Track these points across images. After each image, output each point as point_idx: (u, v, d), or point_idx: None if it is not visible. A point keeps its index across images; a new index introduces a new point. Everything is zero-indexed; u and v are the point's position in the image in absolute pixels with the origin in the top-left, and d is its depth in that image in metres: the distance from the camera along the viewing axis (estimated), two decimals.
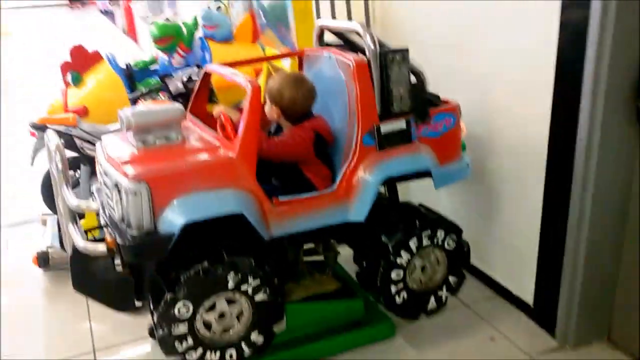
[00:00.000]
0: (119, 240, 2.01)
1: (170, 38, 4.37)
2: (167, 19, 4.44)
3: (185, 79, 3.50)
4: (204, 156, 2.13)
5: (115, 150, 2.19)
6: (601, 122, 2.15)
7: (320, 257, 2.62)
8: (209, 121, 2.45)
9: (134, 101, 3.77)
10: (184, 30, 4.45)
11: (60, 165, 2.30)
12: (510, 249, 2.73)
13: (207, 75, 2.55)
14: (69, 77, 4.16)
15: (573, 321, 2.45)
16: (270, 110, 2.35)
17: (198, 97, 2.58)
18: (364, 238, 2.47)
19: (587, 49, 2.10)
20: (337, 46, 2.51)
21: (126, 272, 2.22)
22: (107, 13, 14.52)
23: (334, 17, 2.47)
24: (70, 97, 4.12)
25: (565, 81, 2.22)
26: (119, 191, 2.00)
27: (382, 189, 2.49)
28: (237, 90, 2.38)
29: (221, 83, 3.95)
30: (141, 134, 2.12)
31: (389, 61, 2.20)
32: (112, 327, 2.75)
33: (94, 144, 3.11)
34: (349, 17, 2.34)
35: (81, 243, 2.14)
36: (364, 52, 2.26)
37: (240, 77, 2.21)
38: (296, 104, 2.33)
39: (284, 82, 2.35)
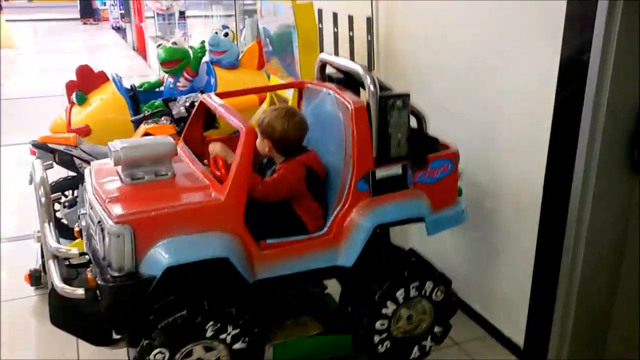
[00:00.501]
0: (98, 279, 1.96)
1: (177, 62, 4.43)
2: (175, 43, 4.48)
3: (187, 104, 3.52)
4: (191, 198, 2.09)
5: (102, 181, 2.15)
6: (596, 170, 2.15)
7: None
8: (202, 148, 2.44)
9: (136, 124, 3.80)
10: (191, 54, 4.51)
11: (43, 200, 2.25)
12: (503, 291, 2.70)
13: (202, 104, 2.52)
14: (73, 96, 4.19)
15: None
16: (262, 143, 2.32)
17: (192, 125, 2.57)
18: (352, 282, 2.43)
19: (585, 100, 2.10)
20: (338, 79, 2.48)
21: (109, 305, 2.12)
22: (119, 29, 14.67)
23: (336, 53, 2.47)
24: (74, 116, 4.15)
25: (563, 130, 2.22)
26: (102, 230, 1.96)
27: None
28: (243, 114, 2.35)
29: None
30: (130, 168, 2.08)
31: (389, 106, 2.17)
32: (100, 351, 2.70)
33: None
34: (352, 57, 2.33)
35: (59, 284, 2.07)
36: (364, 87, 2.23)
37: (234, 118, 2.18)
38: (288, 137, 2.31)
39: (275, 115, 2.32)
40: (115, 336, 2.26)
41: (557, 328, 2.42)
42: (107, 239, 1.94)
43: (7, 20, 17.23)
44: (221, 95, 2.74)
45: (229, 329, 2.10)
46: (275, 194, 2.23)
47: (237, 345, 2.14)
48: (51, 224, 2.24)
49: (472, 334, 2.85)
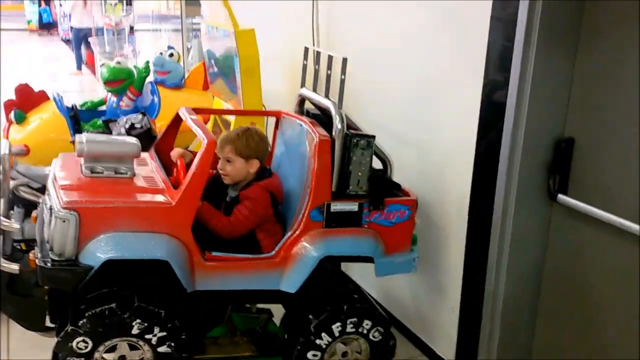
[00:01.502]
0: (38, 260, 2.02)
1: (121, 81, 4.42)
2: (119, 62, 4.47)
3: (127, 126, 3.52)
4: (143, 197, 2.15)
5: (63, 172, 2.21)
6: (515, 197, 2.27)
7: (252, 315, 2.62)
8: (169, 160, 2.48)
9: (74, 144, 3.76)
10: (135, 73, 4.50)
11: (1, 177, 2.32)
12: (435, 312, 2.80)
13: (178, 117, 2.56)
14: (12, 115, 4.11)
15: None
16: (245, 166, 2.32)
17: (166, 136, 2.61)
18: (292, 309, 2.47)
19: (504, 133, 2.23)
20: (314, 115, 2.55)
21: (43, 293, 2.22)
22: (69, 42, 14.39)
23: (315, 89, 2.55)
24: (13, 135, 4.08)
25: (484, 159, 2.35)
26: (51, 214, 2.01)
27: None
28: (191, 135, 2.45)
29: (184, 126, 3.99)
30: (91, 162, 2.15)
31: (353, 144, 2.24)
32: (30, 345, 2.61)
33: (28, 186, 3.09)
34: (326, 95, 2.42)
35: None
36: None
37: (200, 129, 2.24)
38: (264, 158, 2.40)
39: (259, 135, 2.39)
40: (49, 324, 2.30)
41: (484, 348, 2.52)
42: (53, 222, 1.99)
43: None
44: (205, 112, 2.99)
45: (156, 330, 2.15)
46: (245, 230, 2.29)
47: (162, 349, 2.18)
48: (2, 200, 2.29)
49: (407, 354, 2.91)
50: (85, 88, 9.11)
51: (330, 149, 2.24)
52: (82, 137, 2.17)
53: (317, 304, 2.38)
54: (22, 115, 4.14)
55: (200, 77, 4.65)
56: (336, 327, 2.35)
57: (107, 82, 4.39)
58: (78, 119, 4.24)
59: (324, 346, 2.37)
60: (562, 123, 2.23)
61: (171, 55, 4.69)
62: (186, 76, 4.85)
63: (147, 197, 2.15)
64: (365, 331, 2.41)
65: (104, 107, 4.64)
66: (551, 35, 2.10)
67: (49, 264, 2.00)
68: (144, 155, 2.49)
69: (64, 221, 1.97)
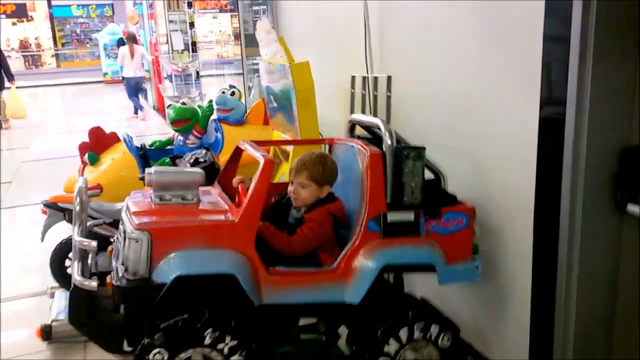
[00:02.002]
0: (114, 280, 2.15)
1: (186, 120, 4.59)
2: (184, 103, 4.67)
3: (192, 160, 3.65)
4: (208, 217, 2.29)
5: (135, 203, 2.37)
6: (582, 212, 2.18)
7: (320, 337, 2.63)
8: (235, 190, 2.58)
9: (143, 180, 3.94)
10: (199, 112, 4.68)
11: (78, 208, 2.55)
12: (507, 336, 2.69)
13: (238, 150, 2.70)
14: (86, 157, 4.36)
15: None
16: (317, 191, 2.41)
17: (227, 169, 2.75)
18: (358, 322, 2.45)
19: (565, 145, 2.16)
20: (365, 139, 2.63)
21: (120, 316, 2.37)
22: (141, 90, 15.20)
23: (363, 112, 2.63)
24: (87, 176, 4.30)
25: (546, 174, 2.28)
26: (125, 237, 2.16)
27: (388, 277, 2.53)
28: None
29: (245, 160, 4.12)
30: (160, 190, 2.31)
31: (404, 156, 2.30)
32: None
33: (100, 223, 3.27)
34: (374, 114, 2.49)
35: (78, 277, 2.29)
36: None
37: (257, 152, 2.39)
38: (334, 183, 2.48)
39: (331, 161, 2.48)
40: (127, 348, 2.41)
41: None
42: (127, 244, 2.13)
43: (37, 86, 18.06)
44: (265, 144, 3.03)
45: (227, 339, 2.21)
46: (305, 251, 2.35)
47: (234, 358, 2.23)
48: (80, 225, 2.51)
49: None
50: (155, 132, 9.54)
51: (382, 162, 2.29)
52: (151, 170, 2.35)
53: (383, 314, 2.38)
54: (95, 156, 4.38)
55: (260, 112, 4.79)
56: (403, 333, 2.34)
57: (173, 122, 4.58)
58: (147, 157, 4.43)
59: (392, 353, 2.35)
60: (628, 131, 2.14)
61: (232, 93, 4.85)
62: (247, 112, 5.00)
63: (212, 217, 2.31)
64: (433, 337, 2.39)
65: (171, 146, 4.84)
66: (608, 40, 2.03)
67: (124, 283, 2.13)
68: (208, 188, 2.63)
69: (137, 241, 2.11)
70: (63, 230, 3.81)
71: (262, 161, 2.29)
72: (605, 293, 2.30)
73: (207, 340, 2.20)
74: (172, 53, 9.54)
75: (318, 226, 2.35)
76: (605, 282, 2.29)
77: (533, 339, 2.50)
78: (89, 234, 3.41)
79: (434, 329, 2.38)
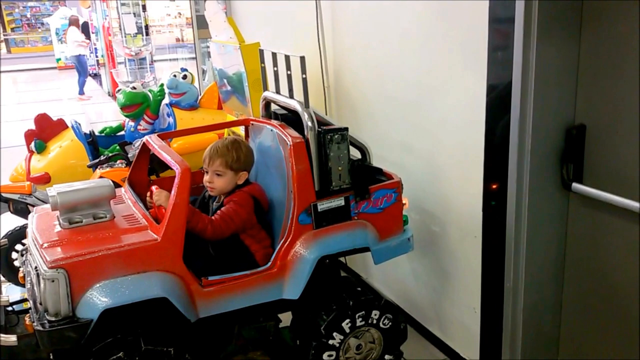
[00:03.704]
0: (35, 325, 1.96)
1: (137, 105, 4.48)
2: (134, 87, 4.54)
3: (140, 147, 3.55)
4: (128, 239, 2.08)
5: (41, 226, 2.16)
6: (528, 189, 2.19)
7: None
8: (147, 189, 2.46)
9: (94, 168, 3.83)
10: (151, 97, 4.57)
11: None
12: (458, 313, 2.72)
13: (145, 145, 2.55)
14: (32, 145, 4.21)
15: None
16: (234, 178, 2.33)
17: (136, 167, 2.59)
18: (299, 314, 2.44)
19: (511, 123, 2.15)
20: (283, 116, 2.53)
21: (48, 352, 2.15)
22: (96, 76, 14.84)
23: (277, 91, 2.55)
24: (35, 164, 4.17)
25: (494, 152, 2.28)
26: (37, 275, 1.96)
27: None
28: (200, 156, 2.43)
29: (185, 149, 4.06)
30: (67, 213, 2.10)
31: (328, 140, 2.23)
32: None
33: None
34: (290, 95, 2.41)
35: None
36: None
37: (170, 157, 2.21)
38: (251, 169, 2.40)
39: (246, 146, 2.39)
40: None
41: (507, 347, 2.43)
42: (42, 284, 1.94)
43: None
44: (176, 134, 2.91)
45: None
46: (228, 230, 2.26)
47: None
48: None
49: (432, 356, 2.86)
50: (110, 118, 9.30)
51: (306, 149, 2.22)
52: (52, 190, 2.12)
53: (323, 304, 2.35)
54: (42, 144, 4.23)
55: (214, 96, 4.69)
56: (346, 324, 2.34)
57: (123, 107, 4.46)
58: (96, 144, 4.31)
59: (337, 345, 2.35)
60: (572, 110, 2.15)
61: (184, 77, 4.74)
62: (201, 97, 4.90)
63: (132, 238, 2.08)
64: (374, 321, 2.40)
65: (122, 133, 4.72)
66: (551, 22, 2.02)
67: (47, 326, 1.93)
68: (120, 193, 2.47)
69: (52, 281, 1.91)
70: (9, 221, 3.67)
71: (178, 170, 2.11)
72: (552, 271, 2.32)
73: None
74: (125, 37, 9.29)
75: (239, 206, 2.28)
76: (553, 259, 2.31)
77: (483, 317, 2.53)
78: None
79: (375, 314, 2.38)
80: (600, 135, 2.07)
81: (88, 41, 11.94)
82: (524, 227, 2.25)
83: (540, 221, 2.24)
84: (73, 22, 12.07)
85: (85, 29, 14.07)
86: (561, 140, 2.16)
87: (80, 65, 11.73)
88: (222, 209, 2.30)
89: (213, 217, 2.26)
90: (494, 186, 2.31)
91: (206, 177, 2.36)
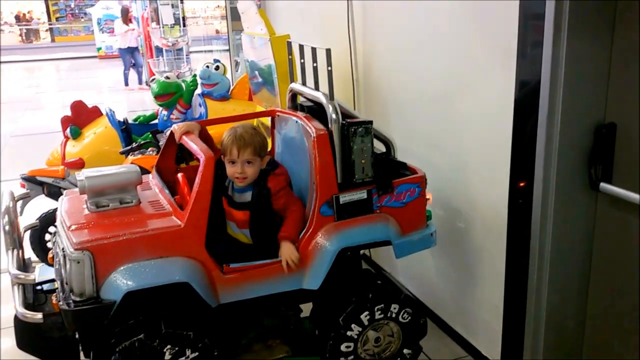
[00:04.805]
0: (61, 304, 2.01)
1: (170, 95, 4.54)
2: (168, 77, 4.61)
3: None
4: (152, 224, 2.12)
5: (69, 209, 2.21)
6: (554, 189, 2.16)
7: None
8: (174, 177, 2.50)
9: (126, 155, 3.91)
10: (184, 87, 4.63)
11: (7, 228, 2.33)
12: (480, 310, 2.69)
13: (172, 134, 2.56)
14: (68, 131, 4.32)
15: None
16: (258, 165, 2.28)
17: (164, 155, 2.62)
18: (318, 304, 2.45)
19: (539, 122, 2.12)
20: (309, 108, 2.54)
21: (72, 330, 2.20)
22: (134, 65, 15.08)
23: (304, 83, 2.56)
24: (70, 149, 4.28)
25: (521, 151, 2.24)
26: (64, 256, 2.01)
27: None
28: None
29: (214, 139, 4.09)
30: (95, 197, 2.14)
31: (352, 133, 2.22)
32: None
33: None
34: (316, 87, 2.41)
35: (20, 310, 2.14)
36: None
37: (195, 146, 2.24)
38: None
39: (260, 132, 2.36)
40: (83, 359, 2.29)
41: (528, 347, 2.40)
42: (68, 265, 1.99)
43: (32, 61, 17.86)
44: (206, 123, 2.87)
45: (188, 352, 2.13)
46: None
47: None
48: (15, 251, 2.30)
49: (453, 354, 2.83)
50: (148, 107, 9.47)
51: (329, 141, 2.21)
52: (81, 175, 2.16)
53: (343, 296, 2.35)
54: (78, 130, 4.33)
55: (245, 88, 4.73)
56: (365, 317, 2.33)
57: (157, 97, 4.52)
58: (130, 131, 4.39)
59: (355, 337, 2.35)
60: (602, 109, 2.10)
61: (217, 68, 4.79)
62: (232, 87, 4.95)
63: (156, 224, 2.12)
64: (394, 315, 2.39)
65: (156, 121, 4.79)
66: (582, 19, 1.98)
67: (72, 306, 1.99)
68: (148, 180, 2.50)
69: (78, 262, 1.95)
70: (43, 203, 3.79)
71: (202, 158, 2.14)
72: (578, 271, 2.28)
73: (167, 356, 2.10)
74: (163, 28, 9.43)
75: (294, 200, 2.32)
76: (578, 260, 2.27)
77: (506, 315, 2.50)
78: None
79: (394, 308, 2.38)
80: (630, 134, 2.02)
81: (134, 28, 11.69)
82: (550, 227, 2.21)
83: (566, 221, 2.20)
84: (124, 12, 11.85)
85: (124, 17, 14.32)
86: (590, 139, 2.12)
87: (134, 58, 11.75)
88: (288, 213, 2.29)
89: (292, 220, 2.28)
90: (521, 184, 2.28)
91: (234, 169, 2.27)
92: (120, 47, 11.88)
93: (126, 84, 11.86)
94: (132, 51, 11.73)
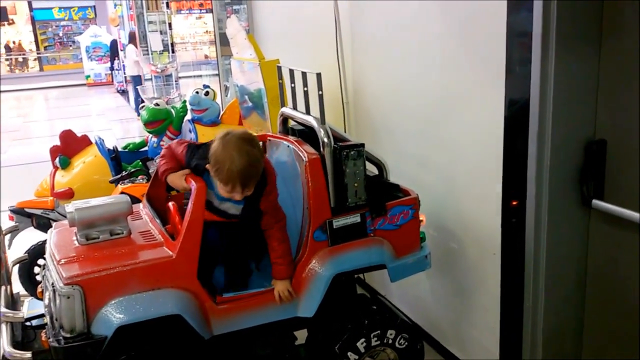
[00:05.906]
0: (51, 341, 1.97)
1: (160, 122, 4.53)
2: (157, 104, 4.61)
3: None
4: (143, 256, 2.09)
5: (59, 242, 2.18)
6: (547, 206, 2.15)
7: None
8: (165, 205, 2.46)
9: (115, 183, 3.88)
10: (173, 113, 4.62)
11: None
12: (477, 333, 2.66)
13: None
14: (57, 161, 4.29)
15: None
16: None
17: (155, 183, 2.58)
18: (314, 332, 2.42)
19: (529, 139, 2.12)
20: (300, 132, 2.54)
21: None
22: (124, 92, 15.12)
23: (295, 107, 2.56)
24: (59, 179, 4.24)
25: (513, 170, 2.24)
26: (54, 291, 1.98)
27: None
28: None
29: None
30: (85, 229, 2.12)
31: (344, 157, 2.21)
32: None
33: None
34: (307, 111, 2.41)
35: (7, 349, 2.10)
36: None
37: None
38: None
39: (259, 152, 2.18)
40: None
41: None
42: (58, 300, 1.95)
43: (21, 90, 17.82)
44: None
45: None
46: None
47: None
48: (3, 287, 2.26)
49: None
50: (137, 134, 9.46)
51: (322, 165, 2.20)
52: (71, 207, 2.13)
53: (338, 323, 2.32)
54: (67, 160, 4.30)
55: (235, 112, 4.72)
56: (361, 344, 2.30)
57: (147, 124, 4.51)
58: (119, 160, 4.37)
59: None
60: (592, 125, 2.10)
61: (207, 93, 4.79)
62: (222, 113, 4.95)
63: (147, 255, 2.09)
64: (390, 341, 2.36)
65: (145, 148, 4.77)
66: (570, 35, 1.99)
67: (62, 343, 1.95)
68: (138, 209, 2.47)
69: (68, 297, 1.92)
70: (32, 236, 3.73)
71: (194, 187, 2.11)
72: (573, 289, 2.26)
73: None
74: (152, 54, 9.47)
75: (281, 220, 2.28)
76: (573, 278, 2.25)
77: (502, 336, 2.47)
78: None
79: (390, 334, 2.35)
80: (621, 150, 2.02)
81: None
82: (544, 245, 2.20)
83: (560, 239, 2.19)
84: (132, 38, 11.12)
85: (113, 47, 14.31)
86: (581, 155, 2.12)
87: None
88: (277, 229, 2.25)
89: (280, 239, 2.24)
90: (514, 203, 2.27)
91: (232, 195, 2.12)
92: (132, 75, 11.22)
93: (138, 113, 11.46)
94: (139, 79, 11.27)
